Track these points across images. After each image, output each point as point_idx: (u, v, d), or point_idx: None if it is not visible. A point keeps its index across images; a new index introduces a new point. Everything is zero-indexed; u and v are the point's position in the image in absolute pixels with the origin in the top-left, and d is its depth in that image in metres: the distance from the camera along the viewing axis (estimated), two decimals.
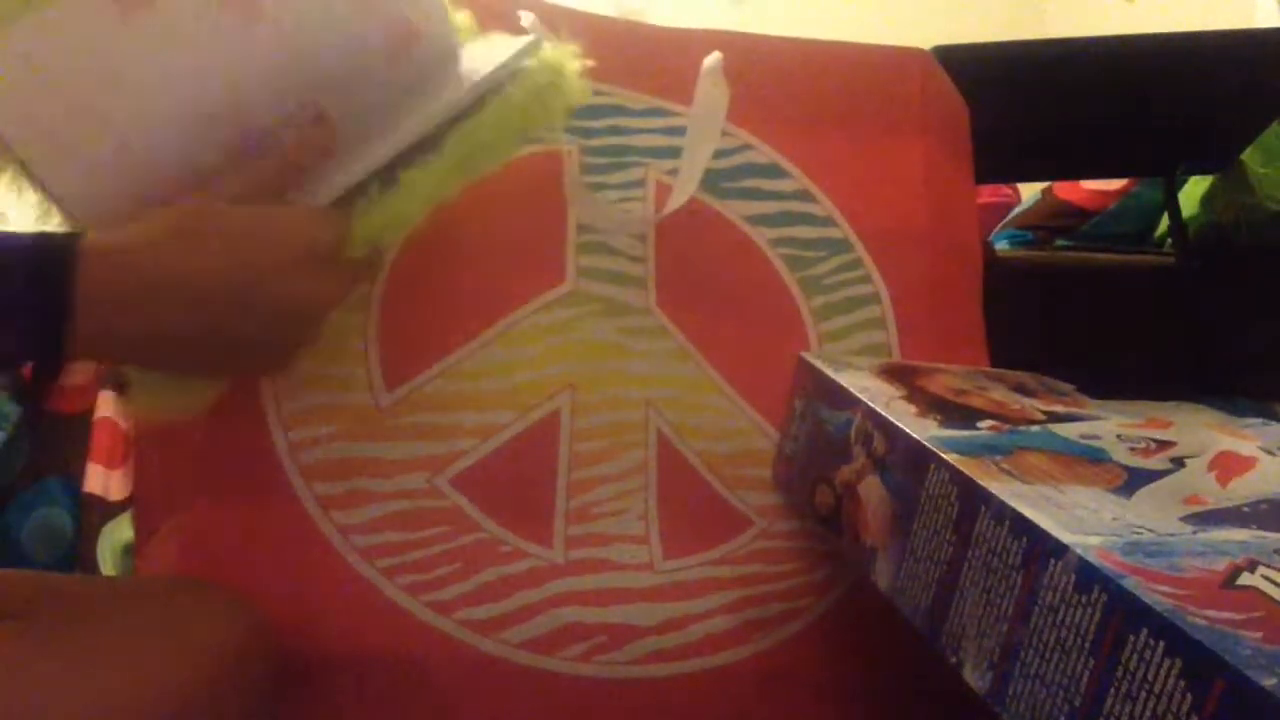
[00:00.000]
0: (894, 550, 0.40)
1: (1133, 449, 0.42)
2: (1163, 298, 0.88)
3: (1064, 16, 1.87)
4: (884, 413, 0.43)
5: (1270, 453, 0.42)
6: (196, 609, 0.39)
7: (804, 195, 0.59)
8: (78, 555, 0.89)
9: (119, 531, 0.90)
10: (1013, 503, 0.34)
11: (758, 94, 0.60)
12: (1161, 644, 0.27)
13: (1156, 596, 0.28)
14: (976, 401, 0.47)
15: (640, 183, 0.56)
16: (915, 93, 0.63)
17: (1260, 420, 0.49)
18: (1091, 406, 0.50)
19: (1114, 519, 0.34)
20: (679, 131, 0.57)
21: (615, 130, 0.57)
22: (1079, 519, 0.33)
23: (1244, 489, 0.39)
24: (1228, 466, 0.40)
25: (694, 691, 0.48)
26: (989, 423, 0.43)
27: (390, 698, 0.45)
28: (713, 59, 0.57)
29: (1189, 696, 0.26)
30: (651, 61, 0.59)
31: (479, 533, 0.47)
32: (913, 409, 0.44)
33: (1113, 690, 0.28)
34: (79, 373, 0.92)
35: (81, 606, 0.38)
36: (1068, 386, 0.54)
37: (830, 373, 0.48)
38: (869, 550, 0.42)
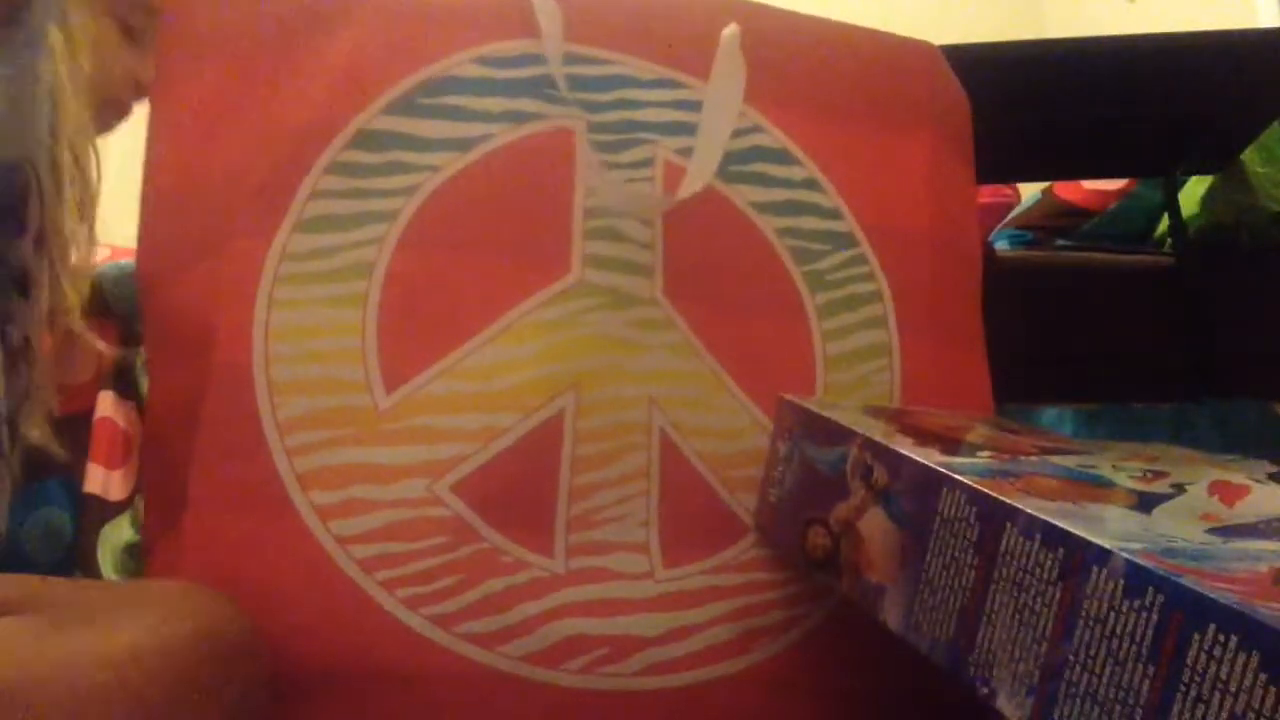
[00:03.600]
0: (905, 584, 0.38)
1: (1132, 477, 0.41)
2: (1163, 298, 0.88)
3: (1064, 16, 1.87)
4: (885, 442, 0.41)
5: (1259, 481, 0.42)
6: (185, 606, 0.40)
7: (812, 184, 0.57)
8: (78, 555, 0.89)
9: (119, 531, 0.90)
10: (1042, 515, 0.32)
11: (770, 72, 0.56)
12: (1234, 638, 0.26)
13: (1221, 591, 0.27)
14: (970, 436, 0.46)
15: (648, 162, 0.53)
16: (923, 86, 0.61)
17: (1237, 456, 0.48)
18: (1078, 444, 0.50)
19: (1143, 530, 0.33)
20: (690, 106, 0.54)
21: (623, 103, 0.54)
22: (1111, 528, 0.32)
23: (1251, 510, 0.38)
24: (1227, 492, 0.40)
25: (699, 702, 0.47)
26: (988, 453, 0.43)
27: (391, 713, 0.44)
28: (730, 32, 0.54)
29: (1273, 689, 0.25)
30: (663, 29, 0.56)
31: (479, 543, 0.46)
32: (909, 440, 0.42)
33: (1180, 695, 0.27)
34: (79, 372, 0.92)
35: (74, 605, 0.38)
36: (1057, 432, 0.54)
37: (818, 409, 0.47)
38: (875, 588, 0.40)
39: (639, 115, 0.54)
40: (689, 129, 0.54)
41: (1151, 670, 0.28)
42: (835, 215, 0.57)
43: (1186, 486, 0.40)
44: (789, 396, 0.50)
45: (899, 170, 0.59)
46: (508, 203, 0.50)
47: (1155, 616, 0.28)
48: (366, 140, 0.49)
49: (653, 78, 0.55)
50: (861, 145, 0.59)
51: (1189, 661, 0.27)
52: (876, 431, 0.43)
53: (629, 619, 0.47)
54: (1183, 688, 0.27)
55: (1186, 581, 0.27)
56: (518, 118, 0.52)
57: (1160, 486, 0.40)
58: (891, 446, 0.41)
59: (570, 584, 0.47)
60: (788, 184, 0.56)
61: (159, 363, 0.50)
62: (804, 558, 0.45)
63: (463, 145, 0.51)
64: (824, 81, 0.59)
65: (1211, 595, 0.26)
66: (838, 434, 0.44)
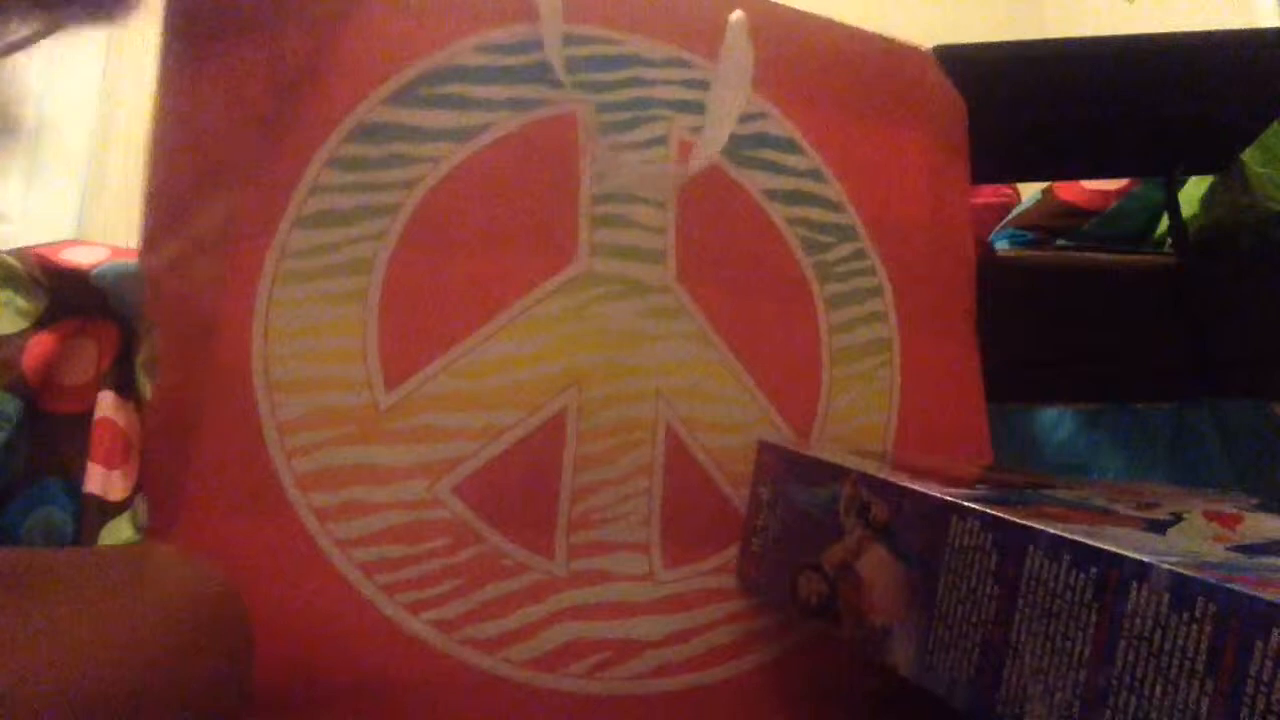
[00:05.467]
0: (915, 624, 0.36)
1: (1128, 506, 0.40)
2: (1163, 298, 0.88)
3: (1064, 16, 1.87)
4: (883, 476, 0.40)
5: (1248, 510, 0.41)
6: (173, 572, 0.40)
7: (817, 175, 0.57)
8: None
9: (119, 531, 0.90)
10: (1068, 534, 0.31)
11: (778, 62, 0.57)
12: None
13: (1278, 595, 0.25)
14: (961, 471, 0.45)
15: (663, 139, 0.53)
16: (918, 89, 0.62)
17: (1214, 490, 0.48)
18: (1061, 480, 0.49)
19: (1168, 548, 0.32)
20: (700, 85, 0.54)
21: (635, 81, 0.54)
22: (1139, 545, 0.31)
23: (1254, 533, 0.37)
24: (1223, 519, 0.39)
25: (702, 705, 0.47)
26: (984, 486, 0.41)
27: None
28: (738, 16, 0.55)
29: None
30: (671, 11, 0.56)
31: (480, 545, 0.46)
32: (904, 476, 0.41)
33: (1246, 708, 0.26)
34: (79, 372, 0.92)
35: (60, 572, 0.38)
36: (1038, 471, 0.53)
37: (802, 450, 0.46)
38: (880, 631, 0.38)
39: (651, 93, 0.54)
40: (701, 108, 0.54)
41: (1210, 685, 0.26)
42: (839, 208, 0.57)
43: (1184, 514, 0.39)
44: (768, 439, 0.48)
45: (898, 167, 0.60)
46: (511, 192, 0.50)
47: (1209, 628, 0.27)
48: (367, 133, 0.49)
49: (663, 57, 0.55)
50: (863, 140, 0.59)
51: (1252, 672, 0.25)
52: (869, 468, 0.42)
53: (630, 622, 0.47)
54: (1248, 700, 0.25)
55: (1240, 588, 0.26)
56: (520, 105, 0.51)
57: (1159, 514, 0.39)
58: (891, 480, 0.39)
59: (571, 586, 0.47)
60: (795, 173, 0.56)
61: (162, 361, 0.49)
62: (797, 607, 0.43)
63: (464, 135, 0.50)
64: (828, 76, 0.59)
65: (1272, 599, 0.25)
66: (827, 473, 0.42)
